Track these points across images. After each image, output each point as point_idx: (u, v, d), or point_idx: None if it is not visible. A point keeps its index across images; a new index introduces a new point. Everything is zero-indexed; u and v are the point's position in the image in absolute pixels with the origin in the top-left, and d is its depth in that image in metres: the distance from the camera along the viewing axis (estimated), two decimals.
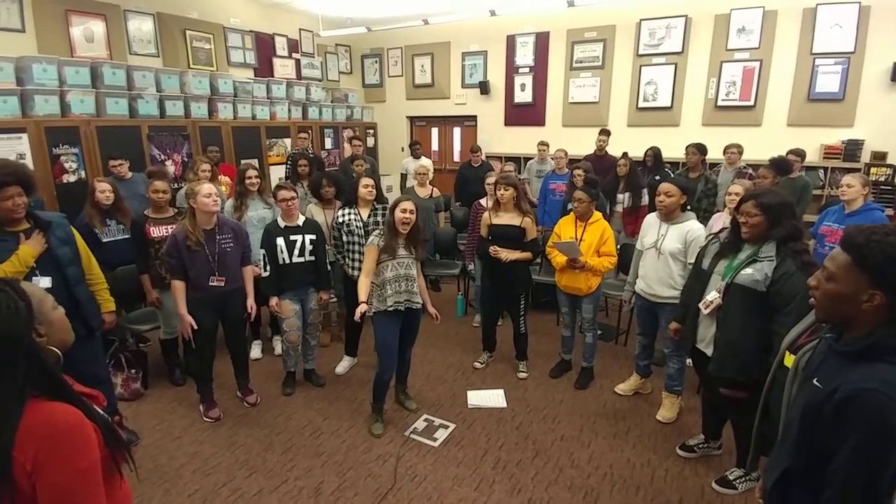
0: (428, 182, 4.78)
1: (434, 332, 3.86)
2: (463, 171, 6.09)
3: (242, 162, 4.93)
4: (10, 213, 2.23)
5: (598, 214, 3.36)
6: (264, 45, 6.96)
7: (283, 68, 7.18)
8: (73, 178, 4.56)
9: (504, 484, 2.57)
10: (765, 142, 5.63)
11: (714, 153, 5.02)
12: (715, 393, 2.42)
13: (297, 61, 7.41)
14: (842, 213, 3.24)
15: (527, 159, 6.63)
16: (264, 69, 6.95)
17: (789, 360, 1.80)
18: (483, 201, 4.17)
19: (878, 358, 1.07)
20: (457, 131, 8.32)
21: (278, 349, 3.81)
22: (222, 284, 2.95)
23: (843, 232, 1.17)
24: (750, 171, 4.66)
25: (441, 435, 2.96)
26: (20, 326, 1.00)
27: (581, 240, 3.30)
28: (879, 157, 5.35)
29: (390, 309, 2.84)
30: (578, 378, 3.53)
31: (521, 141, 7.35)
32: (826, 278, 1.16)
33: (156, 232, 3.30)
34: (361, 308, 2.76)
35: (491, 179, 4.02)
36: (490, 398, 3.34)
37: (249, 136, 6.20)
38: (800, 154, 4.68)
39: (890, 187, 5.18)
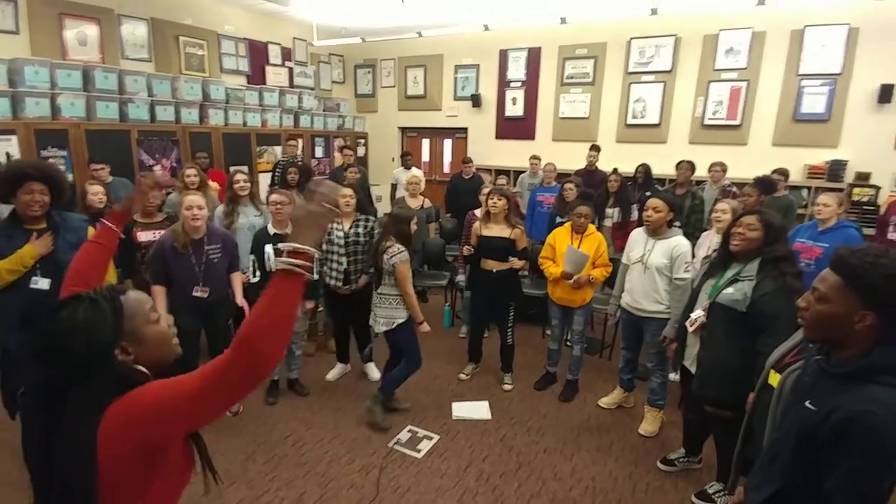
0: (419, 193, 4.80)
1: (420, 343, 3.85)
2: (454, 182, 6.13)
3: (232, 168, 4.91)
4: (27, 207, 2.24)
5: (592, 227, 3.43)
6: (257, 53, 6.99)
7: (276, 76, 7.21)
8: None
9: (487, 496, 2.57)
10: (750, 161, 5.73)
11: (700, 171, 5.11)
12: (699, 410, 2.45)
13: (290, 70, 7.44)
14: (815, 230, 3.31)
15: (517, 172, 6.69)
16: (257, 77, 6.97)
17: (774, 378, 1.83)
18: (478, 212, 4.20)
19: (871, 379, 1.09)
20: (447, 143, 8.38)
21: None
22: (206, 296, 2.91)
23: (834, 254, 1.17)
24: (734, 188, 4.74)
25: (425, 446, 2.95)
26: (101, 342, 0.95)
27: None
28: (863, 178, 5.46)
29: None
30: (563, 391, 3.54)
31: (512, 154, 7.41)
32: (817, 299, 1.17)
33: (143, 236, 3.27)
34: (424, 327, 3.15)
35: (486, 189, 4.05)
36: (475, 410, 3.34)
37: (240, 142, 6.19)
38: (783, 174, 4.78)
39: (873, 207, 5.29)
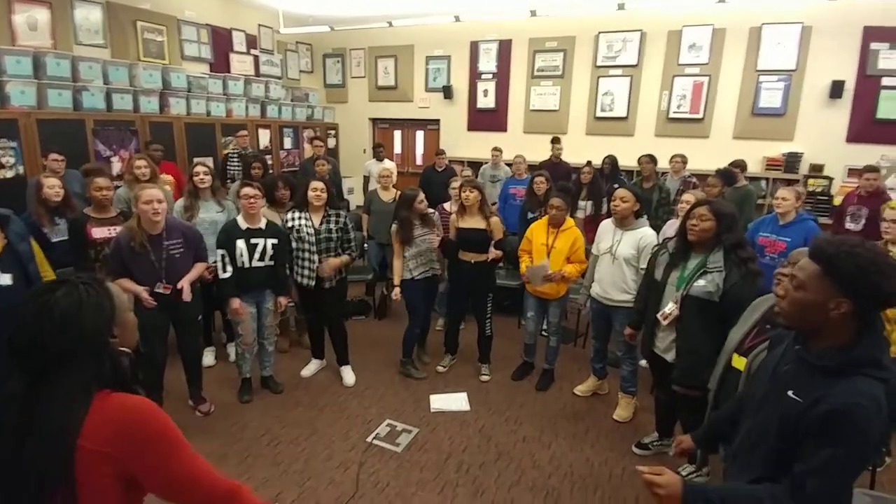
0: (391, 185, 4.75)
1: (396, 336, 3.84)
2: (427, 174, 6.09)
3: (195, 160, 4.72)
4: None
5: (570, 221, 3.40)
6: (221, 40, 6.74)
7: (241, 64, 6.98)
8: (10, 174, 4.26)
9: (467, 487, 2.58)
10: (712, 153, 5.93)
11: (665, 163, 5.25)
12: (669, 393, 2.53)
13: (256, 58, 7.22)
14: (777, 224, 3.42)
15: None
16: (221, 64, 6.73)
17: (739, 362, 1.90)
18: (447, 205, 4.18)
19: (855, 371, 1.13)
20: (420, 134, 8.32)
21: (233, 356, 3.67)
22: (168, 293, 2.79)
23: (811, 243, 1.21)
24: (694, 179, 4.89)
25: (404, 440, 2.94)
26: (103, 324, 1.01)
27: (553, 246, 3.33)
28: (817, 170, 5.75)
29: (418, 277, 3.48)
30: (540, 380, 3.59)
31: (484, 146, 7.37)
32: (795, 287, 1.20)
33: (98, 233, 3.08)
34: (395, 293, 3.49)
35: (456, 183, 4.04)
36: (453, 402, 3.35)
37: (204, 133, 5.97)
38: (739, 165, 4.96)
39: (827, 198, 5.57)
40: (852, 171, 5.34)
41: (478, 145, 7.53)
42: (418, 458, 2.80)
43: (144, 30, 5.83)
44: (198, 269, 2.96)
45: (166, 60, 6.03)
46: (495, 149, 6.09)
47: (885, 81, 5.41)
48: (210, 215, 3.54)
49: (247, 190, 3.07)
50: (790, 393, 1.21)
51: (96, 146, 4.91)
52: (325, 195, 3.29)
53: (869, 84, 5.48)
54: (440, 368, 3.76)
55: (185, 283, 2.83)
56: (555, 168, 5.53)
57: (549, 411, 3.29)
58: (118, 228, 2.91)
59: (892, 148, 5.47)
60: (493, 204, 5.57)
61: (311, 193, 3.27)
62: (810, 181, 5.69)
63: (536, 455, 2.85)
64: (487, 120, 7.51)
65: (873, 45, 5.40)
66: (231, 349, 3.75)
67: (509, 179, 5.54)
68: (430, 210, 3.66)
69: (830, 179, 5.69)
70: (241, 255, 3.06)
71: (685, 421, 2.61)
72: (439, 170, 5.92)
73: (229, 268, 3.04)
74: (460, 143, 7.69)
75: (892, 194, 4.76)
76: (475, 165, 6.76)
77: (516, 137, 7.17)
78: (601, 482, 2.66)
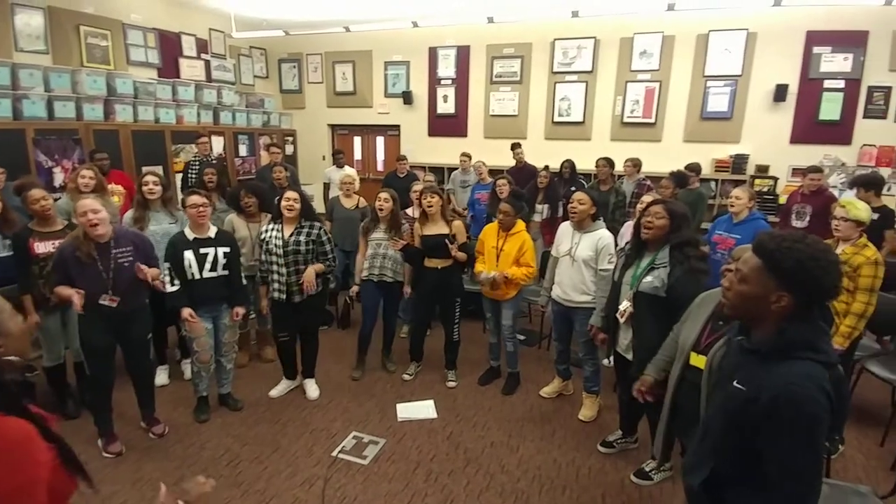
0: (353, 192, 4.67)
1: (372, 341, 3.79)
2: (389, 180, 6.02)
3: (144, 169, 4.51)
4: None
5: (520, 225, 3.42)
6: (169, 44, 6.49)
7: (191, 69, 6.73)
8: None
9: (436, 496, 2.55)
10: (665, 156, 6.13)
11: (621, 166, 5.38)
12: (632, 392, 2.58)
13: (207, 62, 6.98)
14: (730, 223, 3.57)
15: (451, 169, 6.71)
16: (169, 70, 6.47)
17: (697, 360, 1.95)
18: (409, 211, 4.15)
19: (792, 356, 1.16)
20: (380, 140, 8.25)
21: (188, 373, 3.50)
22: (114, 305, 2.63)
23: (755, 239, 1.26)
24: (648, 182, 5.05)
25: (371, 452, 2.88)
26: None
27: (501, 249, 3.37)
28: (762, 170, 6.04)
29: (364, 277, 3.58)
30: (506, 384, 3.60)
31: (445, 151, 7.43)
32: (739, 280, 1.24)
33: (41, 247, 2.91)
34: (353, 290, 3.67)
35: (418, 187, 4.01)
36: (420, 410, 3.31)
37: (152, 141, 5.72)
38: (695, 169, 5.16)
39: (773, 197, 5.85)
40: (796, 171, 5.63)
41: (439, 151, 7.54)
42: (386, 469, 2.74)
43: (88, 35, 5.55)
44: (156, 270, 2.80)
45: (111, 66, 5.76)
46: (464, 154, 6.11)
47: (827, 84, 5.74)
48: (161, 227, 3.38)
49: (193, 198, 2.94)
50: (735, 382, 1.24)
51: (37, 157, 4.63)
52: (298, 206, 3.16)
53: (811, 87, 5.80)
54: (406, 376, 3.71)
55: (144, 267, 2.67)
56: (519, 172, 5.59)
57: (516, 414, 3.30)
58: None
59: (834, 148, 5.81)
60: (465, 209, 5.60)
61: (283, 204, 3.17)
62: (757, 181, 5.97)
63: (505, 459, 2.84)
64: (448, 125, 7.53)
65: (815, 49, 5.72)
66: (186, 367, 3.58)
67: (476, 185, 5.58)
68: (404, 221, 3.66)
69: (776, 179, 5.99)
70: (191, 267, 2.92)
71: (651, 419, 2.66)
72: (401, 175, 5.88)
73: (177, 281, 2.90)
74: (421, 148, 7.67)
75: (834, 192, 5.06)
76: (437, 171, 6.76)
77: (477, 142, 7.21)
78: (569, 482, 2.67)
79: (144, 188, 3.35)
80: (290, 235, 3.18)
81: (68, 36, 5.39)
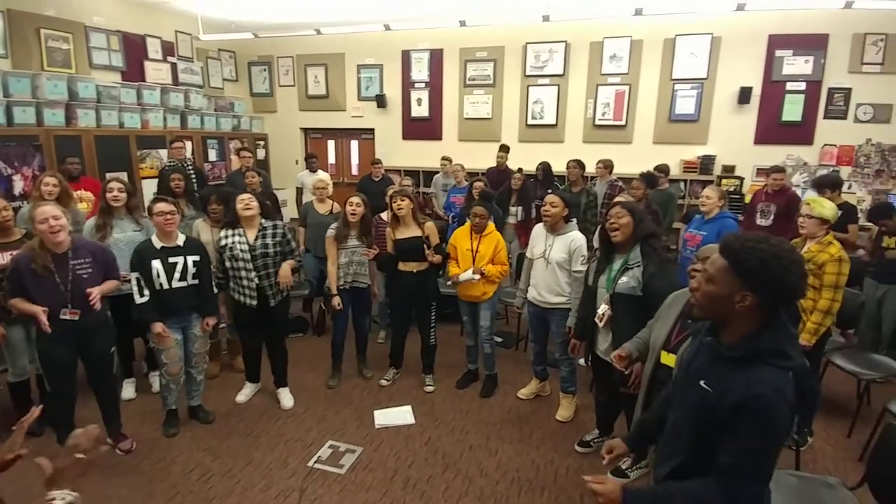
0: (327, 197, 4.61)
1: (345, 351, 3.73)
2: (363, 184, 5.96)
3: (108, 175, 4.36)
4: None
5: (491, 226, 3.47)
6: (133, 47, 6.30)
7: (157, 72, 6.55)
8: None
9: (415, 503, 2.52)
10: (636, 157, 6.25)
11: (593, 168, 5.45)
12: (609, 391, 2.60)
13: (174, 65, 6.80)
14: (702, 221, 3.67)
15: (426, 173, 6.70)
16: (134, 73, 6.28)
17: (668, 358, 1.97)
18: (384, 215, 4.11)
19: (761, 361, 1.18)
20: (354, 144, 8.18)
21: (156, 386, 3.39)
22: (76, 318, 2.53)
23: (721, 239, 1.28)
24: (620, 183, 5.13)
25: (348, 460, 2.83)
26: None
27: (477, 251, 3.40)
28: (729, 170, 6.21)
29: (342, 286, 3.45)
30: (483, 386, 3.59)
31: (420, 155, 7.42)
32: (706, 280, 1.27)
33: None
34: (334, 301, 3.44)
35: (390, 192, 3.98)
36: (398, 416, 3.27)
37: (116, 146, 5.53)
38: (663, 171, 5.26)
39: (739, 196, 6.01)
40: (760, 171, 5.80)
41: (413, 154, 7.52)
42: (363, 478, 2.70)
43: (49, 38, 5.35)
44: (109, 285, 2.70)
45: (73, 70, 5.56)
46: (444, 158, 6.09)
47: (790, 86, 5.93)
48: (126, 234, 3.25)
49: (160, 206, 2.84)
50: (702, 383, 1.27)
51: None
52: (254, 204, 3.12)
53: (774, 89, 5.99)
54: (384, 382, 3.67)
55: (94, 290, 2.56)
56: (499, 175, 5.60)
57: (494, 417, 3.29)
58: None
59: (796, 148, 6.02)
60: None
61: (238, 206, 3.09)
62: (724, 181, 6.12)
63: (483, 463, 2.83)
64: (422, 129, 7.51)
65: (778, 53, 5.91)
66: (154, 379, 3.47)
67: (452, 189, 5.57)
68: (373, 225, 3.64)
69: (742, 179, 6.16)
70: (159, 277, 2.82)
71: (629, 415, 2.69)
72: (376, 179, 5.83)
73: (146, 291, 2.80)
74: (396, 152, 7.63)
75: (797, 191, 5.23)
76: (413, 174, 6.73)
77: (452, 145, 7.21)
78: (547, 483, 2.68)
79: (108, 195, 3.23)
80: (256, 239, 3.12)
81: (28, 39, 5.20)
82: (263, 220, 3.19)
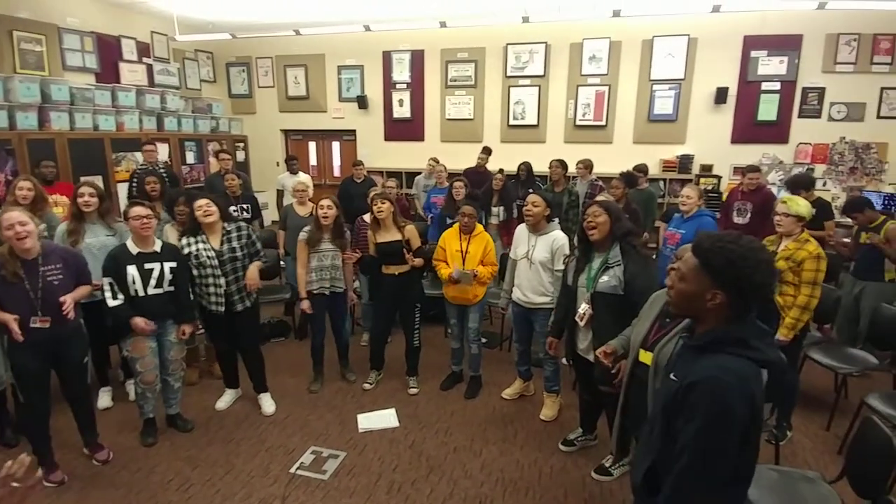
0: (308, 199, 4.56)
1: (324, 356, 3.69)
2: (345, 186, 5.91)
3: (81, 179, 4.25)
4: None
5: (479, 227, 3.48)
6: (108, 48, 6.17)
7: (132, 74, 6.43)
8: None
9: None
10: (615, 157, 6.31)
11: (574, 167, 5.49)
12: (591, 391, 2.61)
13: (150, 67, 6.68)
14: (681, 220, 3.71)
15: (409, 174, 6.67)
16: (109, 74, 6.16)
17: (645, 356, 1.99)
18: (366, 217, 4.08)
19: (721, 350, 1.21)
20: (336, 145, 8.13)
21: (133, 395, 3.30)
22: (47, 326, 2.46)
23: (694, 239, 1.31)
24: (600, 182, 5.18)
25: (331, 466, 2.80)
26: None
27: (467, 252, 3.38)
28: (707, 169, 6.33)
29: (315, 292, 3.39)
30: (468, 388, 3.58)
31: (402, 156, 7.40)
32: (679, 278, 1.30)
33: None
34: (303, 304, 3.42)
35: (371, 195, 3.96)
36: (381, 419, 3.25)
37: (91, 149, 5.41)
38: (642, 170, 5.33)
39: (717, 194, 6.12)
40: (737, 170, 5.91)
41: (396, 155, 7.49)
42: (347, 483, 2.67)
43: (21, 40, 5.23)
44: (82, 291, 2.63)
45: (46, 72, 5.43)
46: (432, 159, 6.07)
47: (765, 86, 6.07)
48: (98, 239, 3.15)
49: (136, 210, 2.75)
50: (671, 375, 1.30)
51: None
52: (213, 209, 3.02)
53: (750, 89, 6.11)
54: (367, 385, 3.64)
55: (67, 298, 2.49)
56: (478, 175, 5.60)
57: (479, 418, 3.29)
58: None
59: (772, 147, 6.15)
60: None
61: (197, 213, 2.99)
62: (702, 180, 6.23)
63: (468, 465, 2.82)
64: (404, 130, 7.50)
65: (753, 53, 6.04)
66: (131, 388, 3.38)
67: (432, 189, 5.55)
68: (346, 229, 3.58)
69: (719, 178, 6.28)
70: (134, 283, 2.75)
71: (610, 414, 2.70)
72: (358, 181, 5.78)
73: (120, 295, 2.73)
74: (378, 153, 7.60)
75: (772, 189, 5.33)
76: (395, 175, 6.71)
77: (434, 146, 7.21)
78: (532, 483, 2.68)
79: (80, 200, 3.13)
80: (222, 244, 3.06)
81: (0, 42, 5.06)
82: (226, 224, 3.11)
